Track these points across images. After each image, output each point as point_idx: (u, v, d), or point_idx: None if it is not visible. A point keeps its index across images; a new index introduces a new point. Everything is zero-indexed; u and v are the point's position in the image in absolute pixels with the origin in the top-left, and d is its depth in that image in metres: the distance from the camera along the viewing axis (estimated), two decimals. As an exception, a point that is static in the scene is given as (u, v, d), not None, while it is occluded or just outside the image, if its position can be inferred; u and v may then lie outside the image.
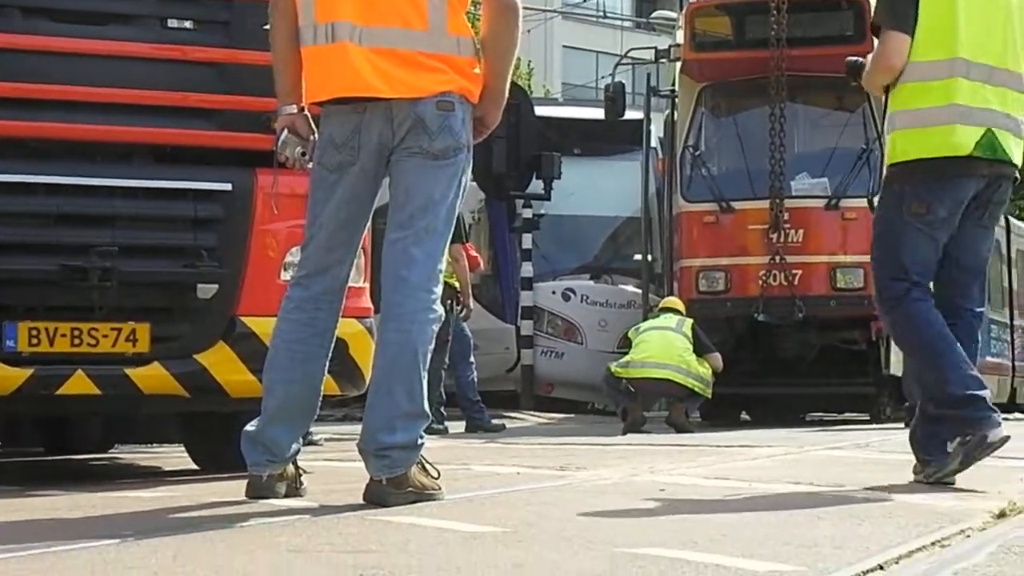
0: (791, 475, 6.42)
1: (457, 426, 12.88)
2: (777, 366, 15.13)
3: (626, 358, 13.31)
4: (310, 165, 5.36)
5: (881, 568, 3.70)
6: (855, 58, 6.30)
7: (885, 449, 8.81)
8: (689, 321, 13.29)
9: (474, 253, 13.21)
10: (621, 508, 5.16)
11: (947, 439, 5.85)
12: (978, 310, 6.10)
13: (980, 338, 6.19)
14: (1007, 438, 5.75)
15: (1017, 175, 6.13)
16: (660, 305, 14.10)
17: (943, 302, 6.00)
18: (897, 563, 3.81)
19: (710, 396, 13.10)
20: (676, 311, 13.66)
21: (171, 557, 3.85)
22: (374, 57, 5.14)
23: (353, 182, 5.24)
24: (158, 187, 6.45)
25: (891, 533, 4.38)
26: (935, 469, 5.86)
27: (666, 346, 13.01)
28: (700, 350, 13.10)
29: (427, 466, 5.26)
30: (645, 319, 14.69)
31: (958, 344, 5.84)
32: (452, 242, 5.57)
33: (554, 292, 17.72)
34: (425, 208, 5.18)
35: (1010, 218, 22.38)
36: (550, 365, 17.59)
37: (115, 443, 9.73)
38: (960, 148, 5.87)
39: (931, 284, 6.02)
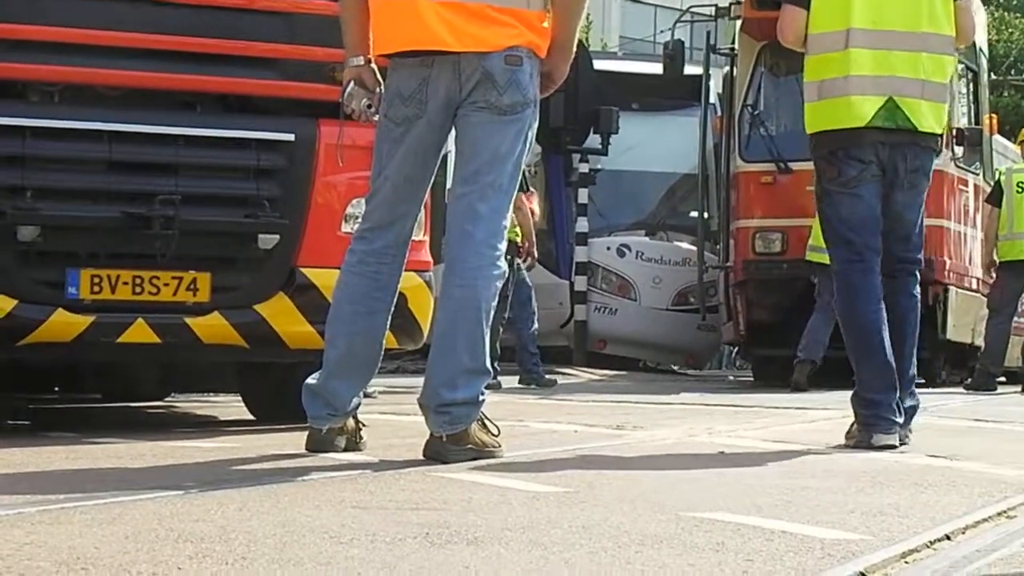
0: (849, 439, 6.38)
1: (508, 381, 12.88)
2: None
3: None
4: (376, 118, 5.33)
5: (948, 538, 3.66)
6: None
7: (942, 414, 8.76)
8: None
9: (534, 205, 13.12)
10: (682, 470, 5.15)
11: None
12: (916, 256, 6.23)
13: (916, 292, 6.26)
14: (892, 447, 5.95)
15: (935, 144, 6.19)
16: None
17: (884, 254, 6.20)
18: (964, 533, 3.77)
19: None
20: None
21: (236, 510, 3.85)
22: (442, 10, 5.10)
23: (419, 135, 5.21)
24: (221, 136, 6.43)
25: (956, 502, 4.35)
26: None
27: None
28: None
29: (487, 423, 5.25)
30: None
31: (884, 336, 6.02)
32: (515, 191, 5.53)
33: (609, 248, 17.60)
34: (491, 163, 5.16)
35: None
36: (603, 321, 17.49)
37: (171, 392, 9.76)
38: (856, 120, 6.03)
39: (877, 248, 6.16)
